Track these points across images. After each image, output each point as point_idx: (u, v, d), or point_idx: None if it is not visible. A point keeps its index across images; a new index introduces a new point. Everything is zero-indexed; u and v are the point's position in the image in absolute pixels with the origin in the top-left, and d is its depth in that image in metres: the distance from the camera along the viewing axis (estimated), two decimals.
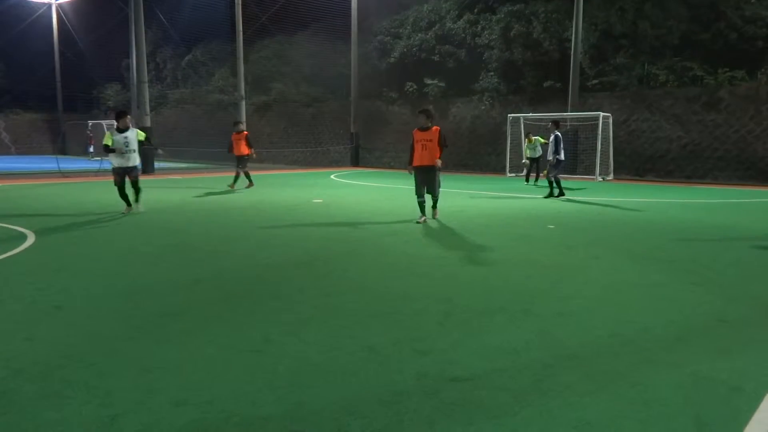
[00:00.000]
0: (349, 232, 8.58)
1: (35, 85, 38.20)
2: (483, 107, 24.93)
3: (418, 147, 9.36)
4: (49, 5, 38.33)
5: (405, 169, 15.20)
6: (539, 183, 17.52)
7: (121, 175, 10.28)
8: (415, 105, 27.09)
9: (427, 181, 9.49)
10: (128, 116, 10.44)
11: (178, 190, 15.53)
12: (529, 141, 17.95)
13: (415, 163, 9.47)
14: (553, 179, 13.67)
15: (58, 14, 38.80)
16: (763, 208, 12.11)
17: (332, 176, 21.06)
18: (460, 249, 7.34)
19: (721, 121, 19.55)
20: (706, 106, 19.86)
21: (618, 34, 21.84)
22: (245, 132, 15.70)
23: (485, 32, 25.07)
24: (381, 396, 3.08)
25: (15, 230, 8.37)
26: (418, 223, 9.37)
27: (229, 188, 15.27)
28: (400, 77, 27.39)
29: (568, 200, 13.23)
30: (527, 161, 18.24)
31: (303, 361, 3.56)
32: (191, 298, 5.00)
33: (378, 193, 14.79)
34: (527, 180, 18.38)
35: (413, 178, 9.64)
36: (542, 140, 17.49)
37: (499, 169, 22.81)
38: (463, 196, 14.00)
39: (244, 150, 15.40)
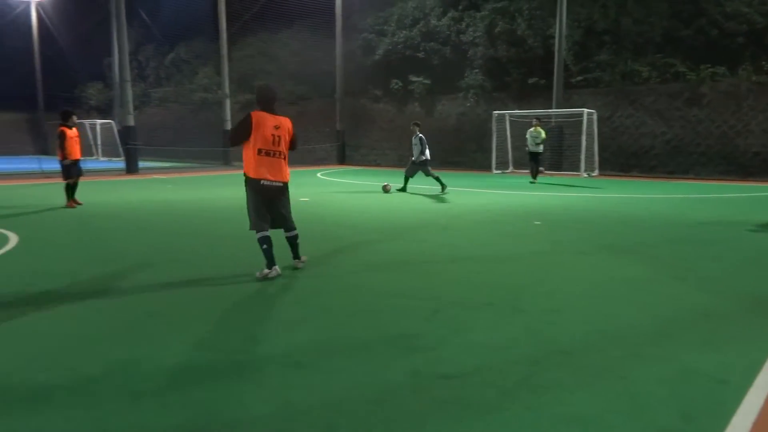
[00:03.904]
0: (335, 230, 8.56)
1: (15, 84, 37.64)
2: (468, 104, 24.99)
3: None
4: (28, 3, 37.76)
5: (391, 166, 15.15)
6: (538, 180, 17.25)
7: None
8: (401, 102, 27.09)
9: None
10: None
11: (162, 189, 15.39)
12: (535, 129, 16.98)
13: None
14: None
15: (38, 12, 38.25)
16: (744, 203, 12.27)
17: (319, 174, 21.00)
18: (446, 246, 7.35)
19: (703, 116, 19.77)
20: (689, 102, 20.07)
21: (601, 31, 21.99)
22: None
23: (470, 29, 25.12)
24: (370, 394, 3.08)
25: None
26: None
27: None
28: (386, 75, 27.35)
29: (533, 195, 13.32)
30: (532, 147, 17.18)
31: (290, 360, 3.54)
32: (173, 299, 4.95)
33: (364, 191, 14.77)
34: (534, 177, 17.39)
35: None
36: (543, 135, 17.03)
37: (485, 166, 22.89)
38: (450, 194, 14.02)
39: None
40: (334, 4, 28.18)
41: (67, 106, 13.13)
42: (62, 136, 10.90)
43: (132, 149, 21.73)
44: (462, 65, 25.17)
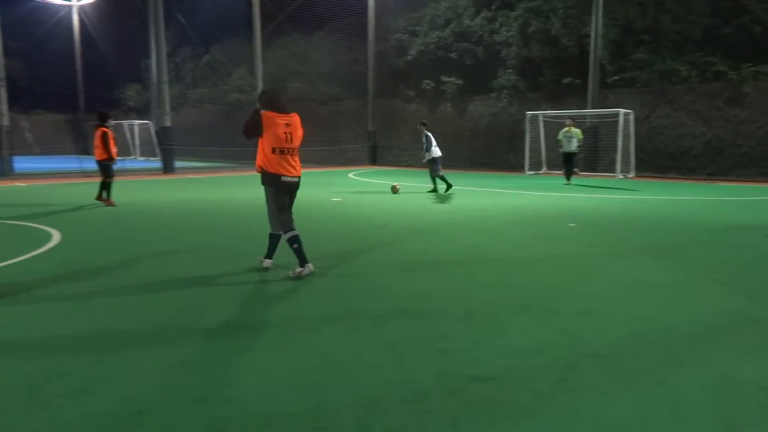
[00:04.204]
0: (367, 231, 8.57)
1: (57, 86, 38.79)
2: (501, 105, 24.76)
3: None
4: (70, 7, 38.86)
5: (423, 167, 15.09)
6: (572, 181, 16.88)
7: None
8: (433, 103, 27.01)
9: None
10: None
11: (197, 188, 15.66)
12: (568, 130, 16.54)
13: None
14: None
15: (80, 16, 39.33)
16: None
17: (350, 175, 21.08)
18: (479, 247, 7.30)
19: (745, 116, 19.19)
20: (730, 102, 19.50)
21: (639, 30, 21.54)
22: None
23: (503, 29, 24.89)
24: (402, 395, 3.07)
25: (41, 229, 8.50)
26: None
27: None
28: (418, 75, 27.30)
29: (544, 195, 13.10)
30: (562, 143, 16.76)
31: (323, 359, 3.56)
32: (208, 296, 5.03)
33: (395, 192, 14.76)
34: (568, 178, 17.01)
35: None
36: (580, 135, 16.66)
37: (518, 167, 22.65)
38: (482, 195, 13.93)
39: None
40: (366, 5, 28.26)
41: (106, 108, 13.47)
42: (106, 137, 11.19)
43: (168, 149, 22.17)
44: (495, 65, 24.96)
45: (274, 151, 5.54)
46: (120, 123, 33.61)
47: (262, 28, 26.65)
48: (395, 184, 14.47)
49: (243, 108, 32.03)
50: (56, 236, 7.88)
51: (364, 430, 2.70)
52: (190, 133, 32.77)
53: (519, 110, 23.71)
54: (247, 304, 4.80)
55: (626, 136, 19.89)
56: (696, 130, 20.07)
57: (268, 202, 5.74)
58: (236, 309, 4.65)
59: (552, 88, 23.46)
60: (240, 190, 15.32)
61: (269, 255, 5.93)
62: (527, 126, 22.16)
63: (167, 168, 21.92)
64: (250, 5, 25.95)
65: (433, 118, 26.92)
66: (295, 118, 5.76)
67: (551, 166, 21.74)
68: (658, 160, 20.66)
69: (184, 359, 3.55)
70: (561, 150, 17.05)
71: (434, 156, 13.82)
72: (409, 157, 27.58)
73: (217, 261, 6.43)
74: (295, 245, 5.59)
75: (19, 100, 23.13)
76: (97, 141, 11.26)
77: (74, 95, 40.29)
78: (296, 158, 5.75)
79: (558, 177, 18.66)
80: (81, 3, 38.22)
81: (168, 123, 22.17)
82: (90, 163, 16.94)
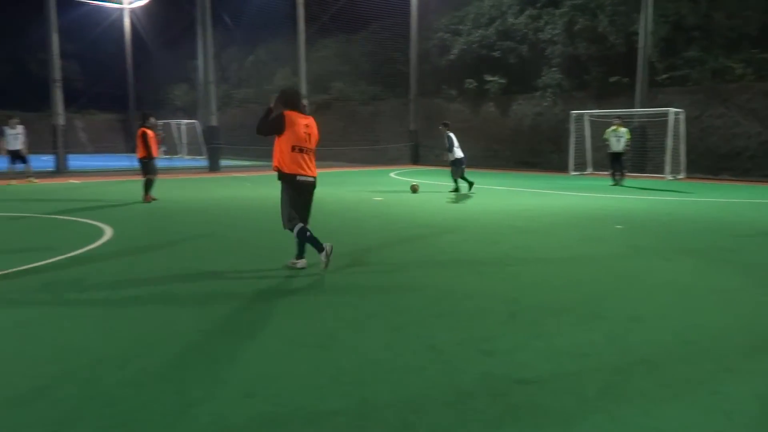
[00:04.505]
0: (409, 230, 8.57)
1: (109, 86, 40.12)
2: (545, 104, 24.38)
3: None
4: (122, 10, 40.12)
5: (465, 166, 14.98)
6: (624, 183, 16.42)
7: None
8: (475, 102, 26.81)
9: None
10: None
11: (241, 186, 15.95)
12: (616, 129, 16.11)
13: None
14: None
15: (131, 18, 40.55)
16: None
17: (392, 174, 21.12)
18: (523, 248, 7.21)
19: None
20: None
21: (690, 26, 20.87)
22: None
23: (548, 27, 24.51)
24: (445, 396, 3.07)
25: (94, 225, 8.81)
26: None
27: None
28: (460, 74, 27.14)
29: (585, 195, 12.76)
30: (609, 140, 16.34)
31: (366, 358, 3.58)
32: (254, 292, 5.12)
33: (437, 191, 14.72)
34: (613, 178, 16.57)
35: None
36: (628, 135, 16.22)
37: (562, 168, 22.26)
38: (525, 195, 13.75)
39: None
40: (409, 4, 28.24)
41: (153, 108, 13.93)
42: (145, 137, 11.64)
43: (215, 148, 22.66)
44: (539, 64, 24.60)
45: (293, 149, 5.71)
46: (168, 122, 34.51)
47: (306, 28, 26.97)
48: (414, 183, 14.47)
49: None
50: (108, 232, 8.16)
51: (407, 430, 2.71)
52: (235, 132, 33.40)
53: (563, 109, 23.31)
54: (288, 301, 4.87)
55: (676, 136, 19.31)
56: (751, 130, 19.33)
57: (281, 201, 5.91)
58: (278, 305, 4.72)
59: (598, 87, 22.97)
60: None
61: (300, 254, 6.00)
62: (572, 126, 21.76)
63: (213, 166, 22.40)
64: (294, 6, 26.28)
65: (475, 117, 26.75)
66: (313, 121, 5.99)
67: (597, 166, 21.29)
68: (709, 161, 19.98)
69: (230, 354, 3.63)
70: (608, 150, 16.64)
71: (457, 157, 13.77)
72: None
73: (260, 257, 6.54)
74: (308, 233, 5.77)
75: (74, 100, 24.08)
76: (137, 140, 11.76)
77: (125, 95, 41.57)
78: (313, 159, 5.93)
79: (604, 178, 18.25)
80: (132, 6, 39.40)
81: (214, 122, 22.66)
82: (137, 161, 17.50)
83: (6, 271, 5.71)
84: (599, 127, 20.50)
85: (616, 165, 16.58)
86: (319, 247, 5.75)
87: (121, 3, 39.01)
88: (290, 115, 5.75)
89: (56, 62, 21.64)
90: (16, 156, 16.05)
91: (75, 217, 9.68)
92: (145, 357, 3.59)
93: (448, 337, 3.95)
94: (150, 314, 4.50)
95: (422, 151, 28.44)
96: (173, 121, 35.66)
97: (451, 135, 13.84)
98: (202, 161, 25.37)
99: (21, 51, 39.18)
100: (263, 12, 31.30)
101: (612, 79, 22.34)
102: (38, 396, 3.03)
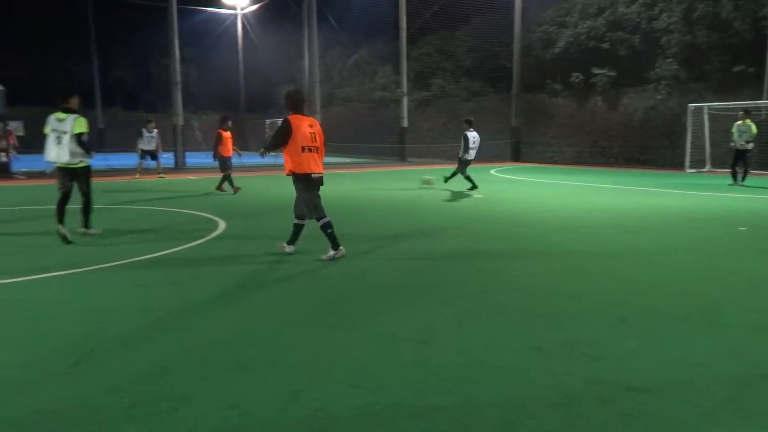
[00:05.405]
0: (510, 229, 8.41)
1: (222, 88, 42.61)
2: (659, 97, 22.95)
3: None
4: (235, 15, 42.38)
5: (570, 164, 14.41)
6: (746, 182, 15.05)
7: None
8: (582, 97, 25.76)
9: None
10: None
11: (341, 183, 16.34)
12: (743, 122, 14.84)
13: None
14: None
15: (243, 23, 42.74)
16: None
17: (492, 171, 20.79)
18: (634, 249, 6.85)
19: None
20: None
21: None
22: None
23: (663, 15, 23.03)
24: (550, 398, 2.99)
25: (208, 218, 9.40)
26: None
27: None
28: (566, 68, 26.14)
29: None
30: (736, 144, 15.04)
31: (468, 356, 3.56)
32: (356, 287, 5.24)
33: (541, 189, 14.32)
34: (734, 177, 15.20)
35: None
36: (754, 130, 14.76)
37: (677, 165, 20.88)
38: (636, 194, 13.04)
39: None
40: None
41: (263, 107, 14.81)
42: (219, 137, 13.38)
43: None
44: (653, 55, 23.17)
45: (303, 149, 6.06)
46: (275, 121, 36.01)
47: (408, 26, 27.15)
48: (428, 176, 14.34)
49: (387, 105, 32.91)
50: (222, 225, 8.67)
51: (510, 430, 2.67)
52: (336, 129, 34.30)
53: (679, 102, 21.82)
54: (388, 296, 4.93)
55: None
56: None
57: (299, 197, 6.34)
58: (377, 299, 4.80)
59: (720, 78, 21.28)
60: (383, 183, 15.73)
61: (292, 241, 6.52)
62: (689, 120, 20.34)
63: None
64: (396, 5, 26.53)
65: (581, 112, 25.70)
66: (316, 122, 6.42)
67: (716, 163, 19.77)
68: None
69: (337, 345, 3.75)
70: (732, 146, 15.29)
71: (468, 158, 13.43)
72: (555, 153, 26.58)
73: (363, 251, 6.67)
74: (329, 230, 6.22)
75: (191, 101, 25.88)
76: (216, 140, 13.55)
77: (236, 96, 43.90)
78: (321, 157, 6.30)
79: (724, 176, 16.89)
80: (244, 11, 41.52)
81: (319, 120, 23.37)
82: (249, 159, 18.46)
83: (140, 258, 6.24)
84: (720, 121, 19.01)
85: (739, 162, 15.25)
86: (335, 245, 6.23)
87: (234, 9, 41.25)
88: (294, 119, 6.11)
89: (176, 66, 23.27)
90: (150, 155, 17.62)
91: (193, 210, 10.38)
92: (251, 343, 3.79)
93: (553, 339, 3.84)
94: (257, 304, 4.74)
95: (524, 148, 27.75)
96: (280, 120, 37.08)
97: (469, 135, 13.37)
98: None
99: (146, 57, 42.56)
100: (366, 12, 31.85)
101: (736, 69, 20.60)
102: (160, 374, 3.28)
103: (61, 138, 7.14)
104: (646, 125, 23.39)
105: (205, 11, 39.22)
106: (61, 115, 7.21)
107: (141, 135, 17.48)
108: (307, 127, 6.15)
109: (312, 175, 6.15)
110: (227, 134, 13.60)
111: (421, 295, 4.99)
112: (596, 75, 24.77)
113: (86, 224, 7.66)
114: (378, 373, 3.32)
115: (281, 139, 6.10)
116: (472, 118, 13.95)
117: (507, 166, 23.72)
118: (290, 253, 6.43)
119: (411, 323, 4.19)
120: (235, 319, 4.30)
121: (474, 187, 13.39)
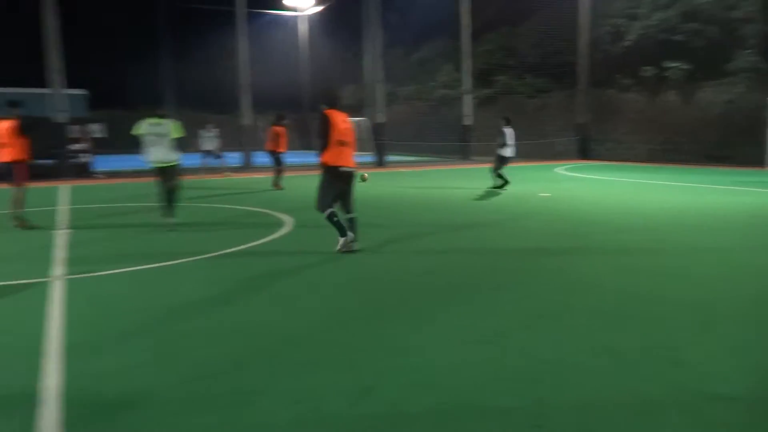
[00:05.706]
0: (579, 227, 8.17)
1: (286, 88, 43.54)
2: (738, 90, 21.74)
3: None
4: (297, 17, 43.20)
5: (641, 161, 13.81)
6: None
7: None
8: (653, 91, 24.76)
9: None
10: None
11: (404, 181, 16.35)
12: None
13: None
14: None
15: (306, 24, 43.50)
16: None
17: (557, 169, 20.29)
18: (714, 251, 6.51)
19: None
20: None
21: None
22: None
23: (742, 4, 21.82)
24: (627, 403, 2.88)
25: (274, 216, 9.61)
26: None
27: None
28: (636, 62, 25.16)
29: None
30: None
31: (538, 358, 3.48)
32: (421, 285, 5.22)
33: (609, 188, 13.84)
34: None
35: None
36: None
37: (758, 162, 19.73)
38: (714, 192, 12.40)
39: None
40: None
41: (319, 107, 15.21)
42: (274, 134, 14.26)
43: (381, 144, 23.51)
44: (731, 46, 21.99)
45: (337, 143, 6.30)
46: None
47: (470, 23, 26.86)
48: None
49: (448, 103, 32.70)
50: (288, 222, 8.85)
51: None
52: (399, 128, 34.38)
53: (761, 96, 20.61)
54: (456, 296, 4.88)
55: None
56: None
57: (321, 188, 6.46)
58: (445, 300, 4.76)
59: None
60: (444, 181, 15.63)
61: (344, 233, 6.47)
62: None
63: (380, 162, 23.26)
64: (458, 2, 26.31)
65: (652, 108, 24.70)
66: (347, 117, 6.60)
67: None
68: None
69: (407, 344, 3.75)
70: None
71: (506, 155, 13.21)
72: (624, 150, 25.65)
73: (427, 252, 6.64)
74: (335, 218, 6.40)
75: (256, 102, 26.71)
76: (269, 136, 14.32)
77: (299, 96, 44.74)
78: (352, 151, 6.51)
79: None
80: (307, 13, 42.26)
81: (382, 119, 23.50)
82: (307, 158, 18.81)
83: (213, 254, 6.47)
84: None
85: None
86: (343, 232, 6.41)
87: (297, 11, 42.04)
88: (331, 113, 6.36)
89: (243, 68, 23.91)
90: (209, 154, 18.26)
91: (260, 208, 10.65)
92: (322, 339, 3.84)
93: (627, 342, 3.70)
94: (326, 300, 4.81)
95: (592, 145, 26.92)
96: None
97: (506, 131, 13.13)
98: (367, 157, 26.46)
99: (212, 59, 44.01)
100: (427, 10, 31.78)
101: None
102: (233, 369, 3.38)
103: (159, 140, 8.01)
104: (724, 120, 22.21)
105: (270, 14, 40.14)
106: (156, 120, 8.07)
107: (200, 135, 18.30)
108: (341, 122, 6.42)
109: (340, 169, 6.35)
110: (282, 130, 14.24)
111: (488, 295, 4.92)
112: (669, 68, 23.74)
113: (171, 214, 8.34)
114: (448, 372, 3.29)
115: (325, 132, 6.32)
116: (509, 116, 13.90)
117: (573, 164, 23.09)
118: (352, 243, 6.50)
119: (480, 325, 4.13)
120: (305, 315, 4.38)
121: (505, 183, 13.29)
